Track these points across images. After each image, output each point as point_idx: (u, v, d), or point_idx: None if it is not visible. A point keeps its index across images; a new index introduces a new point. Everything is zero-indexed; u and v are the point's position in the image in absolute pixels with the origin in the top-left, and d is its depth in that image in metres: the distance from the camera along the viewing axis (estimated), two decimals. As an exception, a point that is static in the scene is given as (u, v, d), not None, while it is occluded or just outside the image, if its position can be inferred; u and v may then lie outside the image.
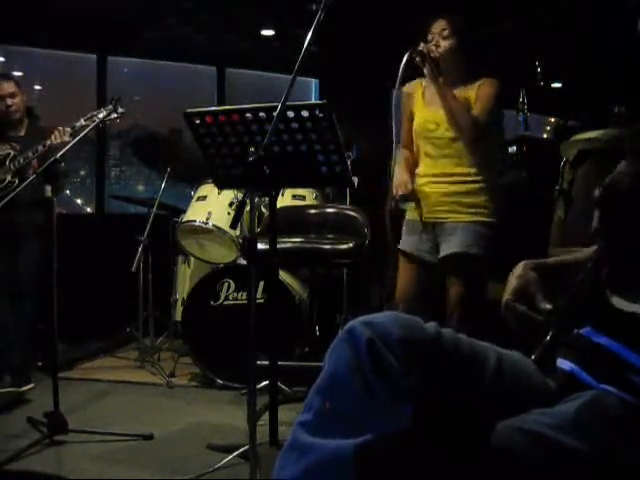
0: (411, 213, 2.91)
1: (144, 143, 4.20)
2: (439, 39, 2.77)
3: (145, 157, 4.30)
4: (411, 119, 2.93)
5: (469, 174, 2.76)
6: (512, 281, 1.19)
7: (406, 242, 2.90)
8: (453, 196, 2.76)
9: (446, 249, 2.76)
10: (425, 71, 2.75)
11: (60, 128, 3.20)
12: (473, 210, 2.75)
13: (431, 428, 1.02)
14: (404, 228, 2.93)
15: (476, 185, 2.76)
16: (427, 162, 2.84)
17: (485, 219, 2.76)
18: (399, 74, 2.57)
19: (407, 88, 2.96)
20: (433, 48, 2.74)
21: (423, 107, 2.88)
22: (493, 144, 2.89)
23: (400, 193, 2.81)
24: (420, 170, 2.88)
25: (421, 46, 2.70)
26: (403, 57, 2.61)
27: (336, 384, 1.03)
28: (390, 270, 3.21)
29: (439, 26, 2.79)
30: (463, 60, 2.80)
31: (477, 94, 2.75)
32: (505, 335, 1.18)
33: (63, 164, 2.72)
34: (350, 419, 0.99)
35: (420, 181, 2.86)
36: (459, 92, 2.76)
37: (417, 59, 2.68)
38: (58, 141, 3.14)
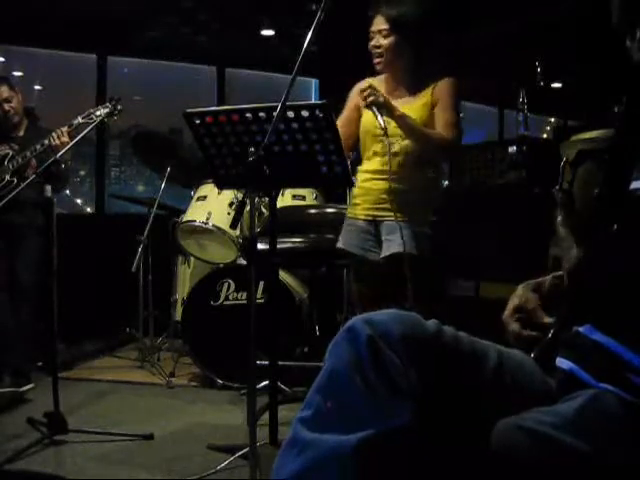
0: (351, 211, 2.78)
1: (144, 143, 4.20)
2: (379, 38, 2.62)
3: (145, 157, 4.30)
4: (357, 111, 2.74)
5: (417, 171, 2.63)
6: (512, 300, 1.21)
7: (347, 241, 2.75)
8: (395, 194, 2.56)
9: (388, 249, 2.61)
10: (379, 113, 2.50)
11: (58, 130, 3.18)
12: (415, 209, 2.60)
13: (432, 425, 1.02)
14: (344, 227, 2.78)
15: (421, 183, 2.64)
16: (375, 160, 2.68)
17: (427, 218, 2.63)
18: None
19: (371, 81, 2.72)
20: (374, 49, 2.62)
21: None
22: None
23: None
24: (364, 167, 2.74)
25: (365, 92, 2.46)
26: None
27: (336, 382, 1.02)
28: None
29: (377, 24, 2.63)
30: (412, 59, 2.64)
31: (434, 99, 2.61)
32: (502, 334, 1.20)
33: (69, 163, 2.71)
34: (350, 417, 0.99)
35: (363, 177, 2.73)
36: (413, 99, 2.63)
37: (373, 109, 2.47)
38: (57, 142, 3.13)
